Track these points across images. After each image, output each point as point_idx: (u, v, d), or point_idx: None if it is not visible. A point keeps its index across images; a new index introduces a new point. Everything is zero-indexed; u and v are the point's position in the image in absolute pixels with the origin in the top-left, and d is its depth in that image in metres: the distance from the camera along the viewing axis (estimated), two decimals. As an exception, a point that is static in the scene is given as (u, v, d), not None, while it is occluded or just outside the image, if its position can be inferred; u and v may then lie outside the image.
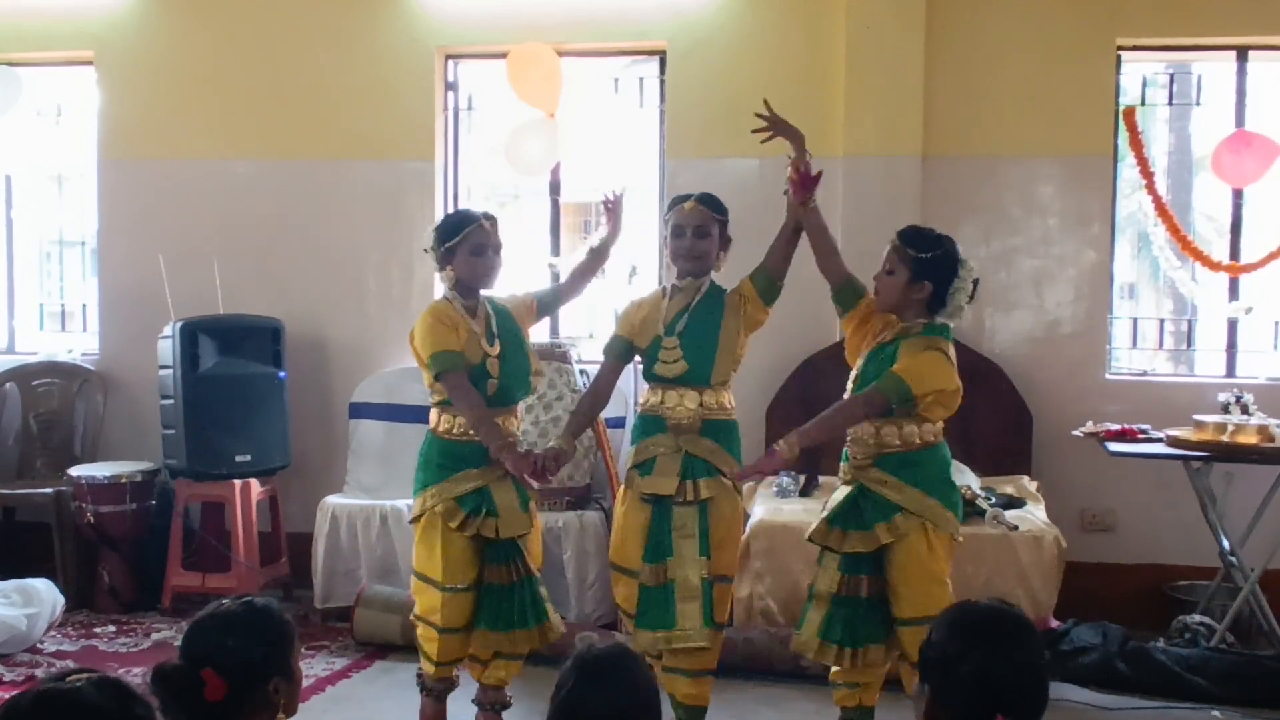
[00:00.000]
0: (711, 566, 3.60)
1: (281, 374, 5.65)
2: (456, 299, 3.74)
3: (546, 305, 4.04)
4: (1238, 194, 5.50)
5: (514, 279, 6.30)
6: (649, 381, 3.75)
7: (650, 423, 3.70)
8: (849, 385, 3.61)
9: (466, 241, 3.69)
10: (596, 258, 4.09)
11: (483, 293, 3.81)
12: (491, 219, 3.75)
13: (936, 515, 3.45)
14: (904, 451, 3.47)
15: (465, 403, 3.60)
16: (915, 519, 3.43)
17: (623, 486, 3.79)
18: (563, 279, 4.04)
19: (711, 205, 3.76)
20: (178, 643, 2.23)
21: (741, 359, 3.75)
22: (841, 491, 3.57)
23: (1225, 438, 4.64)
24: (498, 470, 3.62)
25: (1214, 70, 5.77)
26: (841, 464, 3.65)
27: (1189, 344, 5.93)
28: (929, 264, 3.48)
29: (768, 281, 3.74)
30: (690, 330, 3.66)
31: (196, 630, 2.20)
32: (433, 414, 3.76)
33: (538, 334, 5.88)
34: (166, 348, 5.46)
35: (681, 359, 3.63)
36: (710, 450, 3.64)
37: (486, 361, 3.66)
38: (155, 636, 5.11)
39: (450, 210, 6.06)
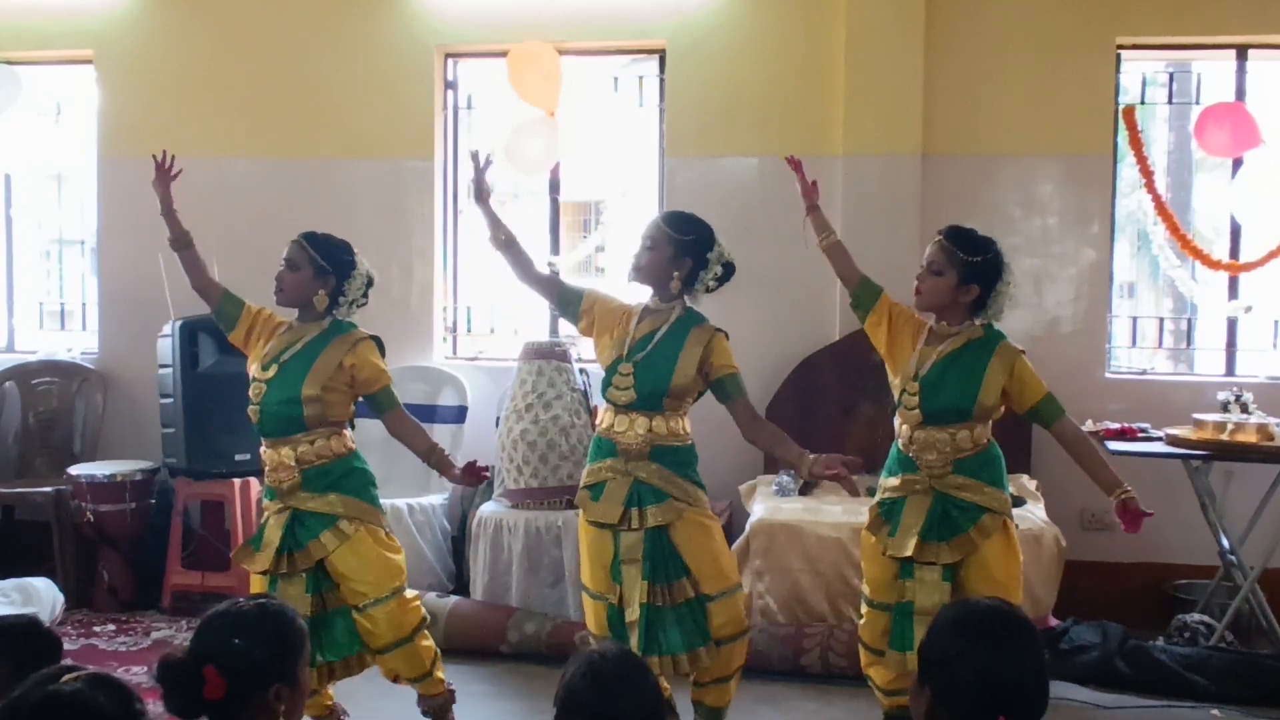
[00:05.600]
0: (701, 586, 3.56)
1: (281, 373, 5.64)
2: (294, 320, 3.77)
3: (378, 404, 3.74)
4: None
5: (514, 277, 6.34)
6: (604, 401, 3.70)
7: (603, 445, 3.65)
8: (908, 394, 3.53)
9: None
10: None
11: (341, 319, 3.74)
12: (302, 238, 3.75)
13: (1009, 509, 3.55)
14: (976, 453, 3.52)
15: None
16: (999, 517, 3.49)
17: (580, 510, 3.71)
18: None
19: (671, 223, 3.64)
20: (178, 642, 2.24)
21: (698, 393, 3.67)
22: (915, 503, 3.52)
23: (1225, 436, 4.64)
24: (278, 504, 3.60)
25: (1214, 69, 5.78)
26: (893, 476, 3.62)
27: (1188, 343, 5.93)
28: (979, 267, 3.51)
29: (725, 396, 3.63)
30: (648, 360, 3.58)
31: (206, 626, 2.20)
32: None
33: (536, 333, 5.91)
34: (166, 346, 5.46)
35: (632, 388, 3.57)
36: (660, 475, 3.56)
37: (251, 386, 3.65)
38: (155, 635, 5.10)
39: (449, 209, 6.07)
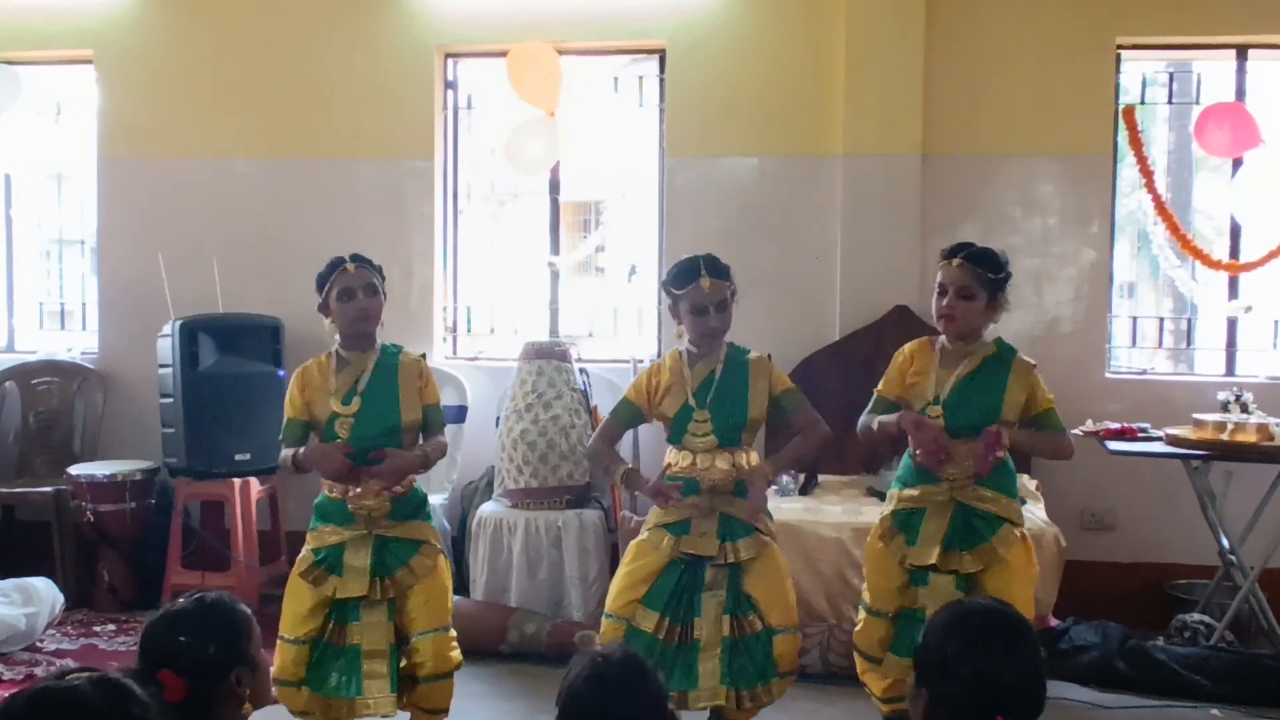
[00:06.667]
0: (769, 620, 3.56)
1: (281, 372, 5.63)
2: (337, 351, 3.66)
3: (424, 422, 3.69)
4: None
5: (514, 277, 6.36)
6: (675, 445, 3.67)
7: (683, 485, 3.61)
8: (930, 417, 3.52)
9: (334, 287, 3.59)
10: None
11: (389, 343, 3.69)
12: (359, 260, 3.62)
13: (1023, 519, 3.59)
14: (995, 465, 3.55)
15: (282, 467, 3.65)
16: (1017, 528, 3.53)
17: (641, 539, 3.66)
18: (434, 444, 3.67)
19: (722, 274, 3.61)
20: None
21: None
22: (936, 513, 3.53)
23: (1225, 436, 4.64)
24: (359, 530, 3.57)
25: (1214, 69, 5.77)
26: (910, 488, 3.60)
27: (1188, 343, 5.93)
28: (1002, 282, 3.56)
29: (783, 414, 3.67)
30: (718, 401, 3.59)
31: (150, 634, 2.21)
32: None
33: (537, 333, 5.92)
34: (166, 346, 5.46)
35: (712, 433, 3.58)
36: (743, 509, 3.59)
37: (335, 421, 3.56)
38: (155, 635, 5.11)
39: (449, 209, 6.08)
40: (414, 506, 3.67)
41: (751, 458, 3.66)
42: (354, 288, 3.60)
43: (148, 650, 2.18)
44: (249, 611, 2.32)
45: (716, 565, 3.55)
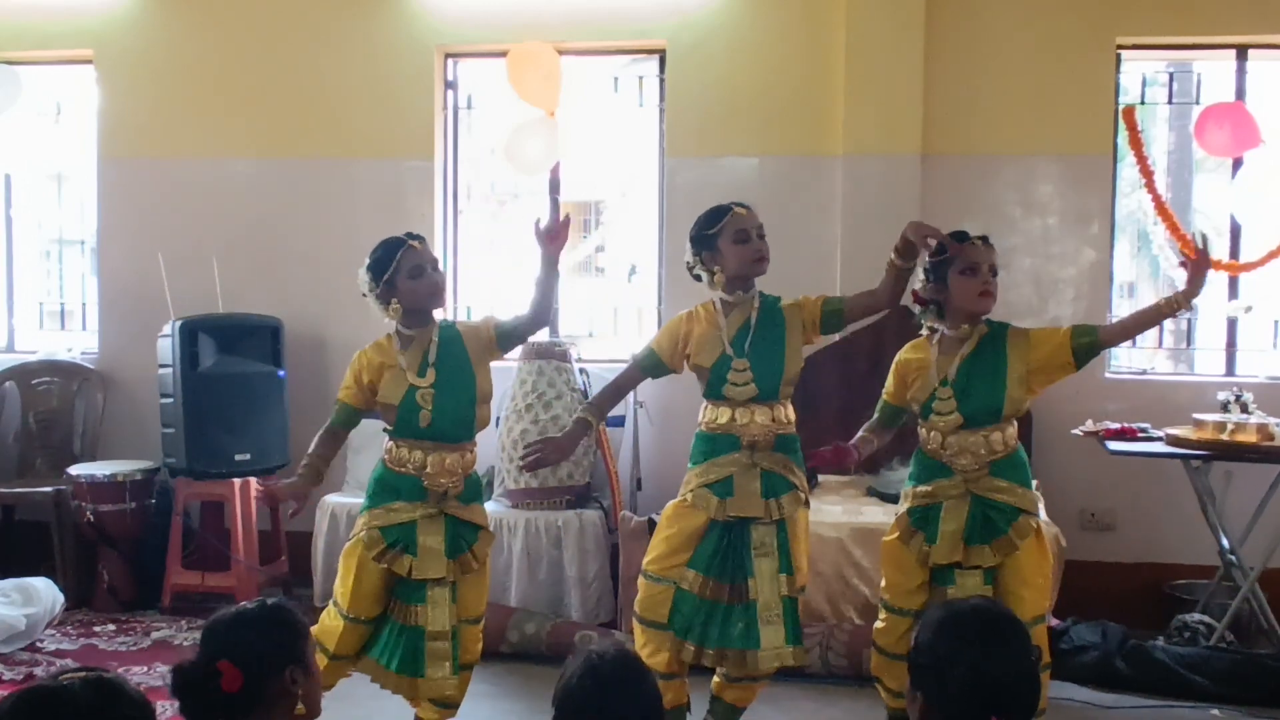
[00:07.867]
0: (792, 583, 3.58)
1: (281, 373, 5.65)
2: (399, 332, 3.64)
3: (507, 335, 3.70)
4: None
5: (515, 277, 6.36)
6: (713, 400, 3.66)
7: (721, 441, 3.61)
8: (940, 400, 3.53)
9: (401, 267, 3.57)
10: (547, 275, 3.68)
11: (441, 318, 3.70)
12: (419, 238, 3.64)
13: (1038, 509, 3.58)
14: (1007, 455, 3.53)
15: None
16: (1032, 518, 3.52)
17: (682, 500, 3.65)
18: (525, 309, 3.70)
19: (750, 208, 3.68)
20: (177, 641, 2.28)
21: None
22: (953, 508, 3.51)
23: (1225, 436, 4.64)
24: (430, 508, 3.54)
25: (1214, 69, 5.77)
26: (924, 484, 3.58)
27: (1188, 343, 5.93)
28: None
29: (837, 316, 3.67)
30: (757, 349, 3.59)
31: (212, 628, 2.30)
32: (385, 440, 3.69)
33: (537, 334, 5.90)
34: (166, 346, 5.46)
35: (752, 382, 3.58)
36: (783, 464, 3.60)
37: (416, 393, 3.54)
38: (155, 635, 5.10)
39: (449, 209, 6.07)
40: (477, 488, 3.69)
41: (789, 411, 3.66)
42: (423, 264, 3.60)
43: (209, 642, 2.26)
44: (305, 620, 2.38)
45: (763, 524, 3.54)
